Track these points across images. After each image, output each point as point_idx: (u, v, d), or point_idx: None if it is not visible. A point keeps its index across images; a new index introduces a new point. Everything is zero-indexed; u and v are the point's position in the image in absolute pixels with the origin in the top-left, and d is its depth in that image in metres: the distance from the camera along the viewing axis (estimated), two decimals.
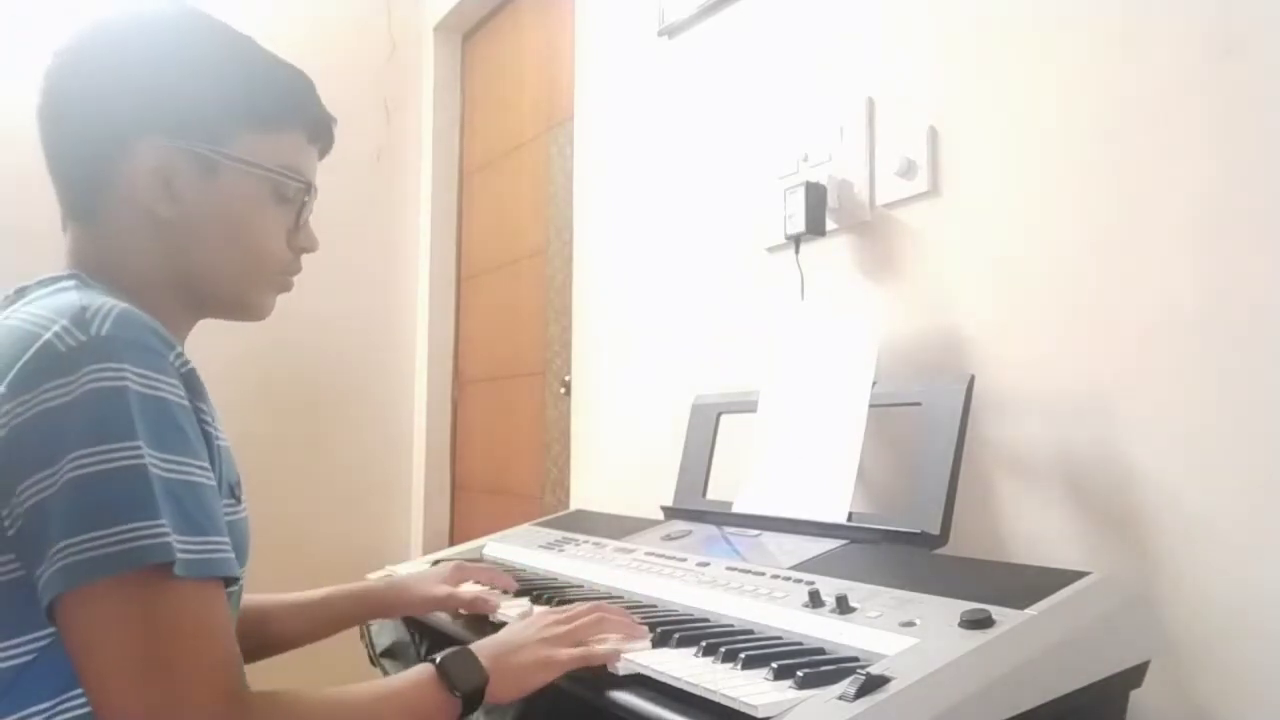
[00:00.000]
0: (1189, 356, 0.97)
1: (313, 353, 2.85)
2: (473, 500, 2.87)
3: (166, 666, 0.65)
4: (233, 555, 0.71)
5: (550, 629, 0.86)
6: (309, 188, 0.90)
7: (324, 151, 0.93)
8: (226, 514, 0.76)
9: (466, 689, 0.78)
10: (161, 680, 0.64)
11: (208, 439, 0.75)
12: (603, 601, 0.96)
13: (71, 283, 0.78)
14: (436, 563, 1.38)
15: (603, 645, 0.84)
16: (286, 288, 0.92)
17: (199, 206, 0.83)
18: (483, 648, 0.83)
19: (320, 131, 0.92)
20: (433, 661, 0.79)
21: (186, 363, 0.74)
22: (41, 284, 0.80)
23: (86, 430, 0.65)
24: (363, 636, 1.29)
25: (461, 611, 1.11)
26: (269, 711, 0.69)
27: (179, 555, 0.65)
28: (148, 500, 0.65)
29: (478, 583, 1.16)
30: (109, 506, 0.64)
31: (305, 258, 0.93)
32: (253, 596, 1.04)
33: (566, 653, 0.83)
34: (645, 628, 0.89)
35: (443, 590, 1.12)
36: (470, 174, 2.99)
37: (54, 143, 0.84)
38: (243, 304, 0.90)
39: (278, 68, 0.89)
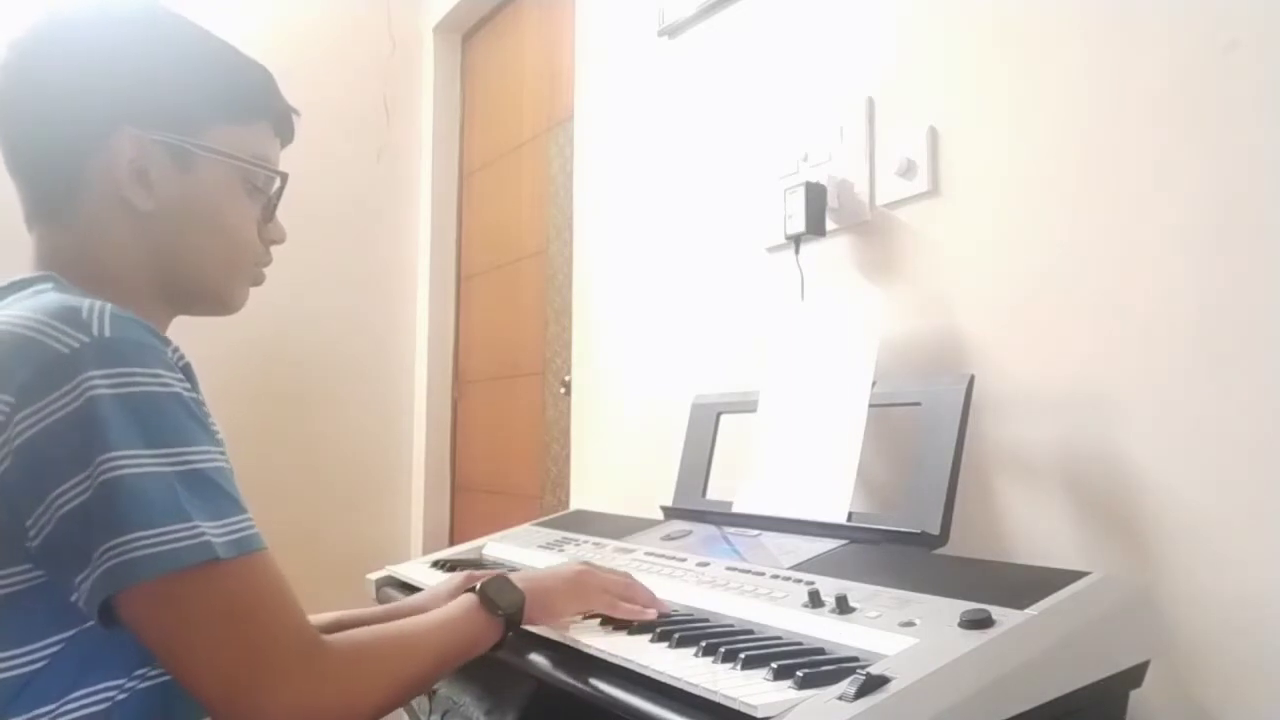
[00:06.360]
0: (1189, 356, 0.97)
1: (313, 352, 2.85)
2: (473, 500, 2.87)
3: (244, 644, 0.68)
4: (258, 530, 0.72)
5: (586, 570, 0.96)
6: (281, 178, 0.90)
7: (285, 143, 0.93)
8: None
9: (507, 608, 0.85)
10: (245, 658, 0.67)
11: None
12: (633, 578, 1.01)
13: (49, 284, 0.76)
14: (440, 564, 1.38)
15: (630, 605, 0.93)
16: (258, 280, 0.92)
17: (176, 199, 0.82)
18: (519, 575, 0.91)
19: (284, 124, 0.92)
20: (473, 590, 0.87)
21: (182, 356, 0.74)
22: (14, 286, 0.78)
23: (114, 434, 0.65)
24: None
25: None
26: (347, 654, 0.73)
27: (218, 545, 0.67)
28: (178, 503, 0.66)
29: None
30: (145, 509, 0.65)
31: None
32: None
33: (598, 593, 0.92)
34: (665, 605, 0.95)
35: None
36: (470, 174, 2.99)
37: (17, 137, 0.81)
38: (220, 297, 0.89)
39: (243, 60, 0.88)
